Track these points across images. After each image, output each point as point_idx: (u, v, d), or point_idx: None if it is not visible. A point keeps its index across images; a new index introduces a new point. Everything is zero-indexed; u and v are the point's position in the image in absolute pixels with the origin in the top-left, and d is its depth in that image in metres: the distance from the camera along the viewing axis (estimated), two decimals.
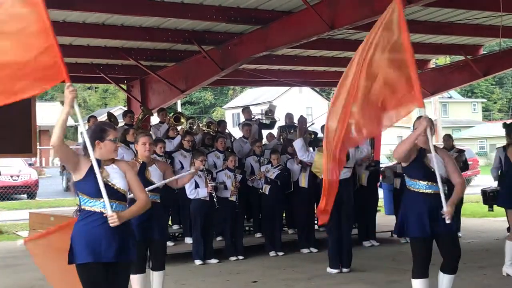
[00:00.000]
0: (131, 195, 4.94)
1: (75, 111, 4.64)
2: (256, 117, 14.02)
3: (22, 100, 13.74)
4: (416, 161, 5.95)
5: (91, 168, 4.69)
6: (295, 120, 13.85)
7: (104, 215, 4.63)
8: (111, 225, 4.59)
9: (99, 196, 4.64)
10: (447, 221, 5.79)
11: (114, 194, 4.73)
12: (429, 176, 5.87)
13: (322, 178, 9.22)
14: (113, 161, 4.89)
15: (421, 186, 5.94)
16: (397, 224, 6.25)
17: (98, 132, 4.82)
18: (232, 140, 12.80)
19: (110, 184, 4.74)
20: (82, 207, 4.72)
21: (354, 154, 9.34)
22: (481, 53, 14.44)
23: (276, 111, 14.36)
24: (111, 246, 4.66)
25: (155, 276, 6.88)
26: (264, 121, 14.01)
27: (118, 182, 4.80)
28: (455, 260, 6.12)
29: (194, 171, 7.33)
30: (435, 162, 5.79)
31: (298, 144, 9.69)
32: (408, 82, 5.44)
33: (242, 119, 14.13)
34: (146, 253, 6.84)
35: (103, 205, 4.65)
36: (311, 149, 10.14)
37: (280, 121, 14.05)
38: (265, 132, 13.85)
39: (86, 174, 4.70)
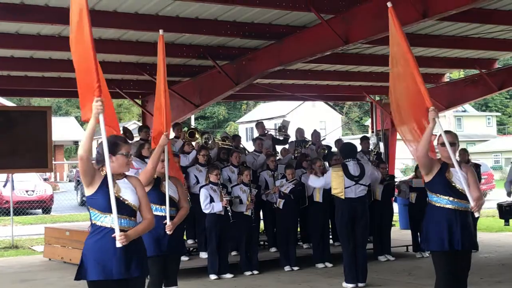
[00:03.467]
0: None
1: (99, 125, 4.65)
2: (270, 132, 14.06)
3: (37, 115, 13.76)
4: (439, 175, 5.91)
5: (103, 182, 4.67)
6: (306, 135, 13.89)
7: (113, 235, 4.60)
8: (119, 244, 4.55)
9: (110, 211, 4.61)
10: (476, 215, 5.86)
11: (125, 209, 4.71)
12: (451, 191, 5.86)
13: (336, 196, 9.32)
14: (124, 175, 4.89)
15: (442, 201, 5.90)
16: (422, 238, 6.20)
17: (110, 146, 4.74)
18: (246, 154, 12.82)
19: (121, 199, 4.71)
20: (93, 222, 4.68)
21: (369, 173, 9.33)
22: (496, 67, 14.40)
23: (289, 127, 14.39)
24: (122, 263, 4.64)
25: None
26: (277, 137, 14.04)
27: (129, 197, 4.78)
28: (466, 275, 6.12)
29: None
30: (457, 177, 5.80)
31: (314, 183, 10.06)
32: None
33: (256, 133, 14.15)
34: (163, 268, 6.77)
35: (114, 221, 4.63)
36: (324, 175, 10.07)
37: (292, 137, 14.07)
38: (277, 147, 13.85)
39: (98, 188, 4.68)
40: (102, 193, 4.66)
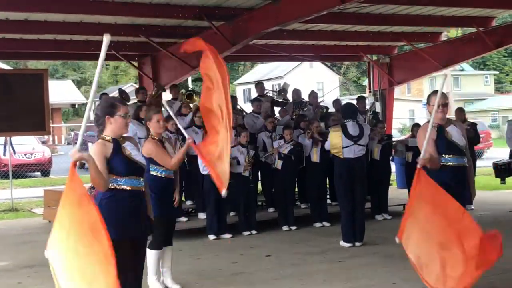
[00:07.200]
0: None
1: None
2: (269, 94, 14.01)
3: (34, 78, 13.69)
4: (439, 138, 6.04)
5: (115, 148, 4.78)
6: (303, 96, 13.87)
7: (143, 189, 4.87)
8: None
9: (127, 174, 4.75)
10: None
11: (138, 170, 4.86)
12: (452, 148, 6.01)
13: (333, 154, 9.34)
14: (124, 139, 4.95)
15: (444, 159, 6.01)
16: None
17: (108, 107, 4.83)
18: (243, 115, 12.82)
19: (134, 161, 4.82)
20: (110, 186, 4.75)
21: (367, 133, 9.35)
22: (494, 24, 14.30)
23: (288, 90, 14.35)
24: (139, 223, 4.81)
25: (165, 251, 6.95)
26: (276, 99, 14.01)
27: (139, 158, 4.94)
28: None
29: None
30: (454, 134, 6.03)
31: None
32: None
33: (253, 94, 14.13)
34: (167, 228, 6.86)
35: (128, 182, 4.76)
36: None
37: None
38: (275, 109, 13.84)
39: (112, 155, 4.76)
40: (118, 158, 4.76)
